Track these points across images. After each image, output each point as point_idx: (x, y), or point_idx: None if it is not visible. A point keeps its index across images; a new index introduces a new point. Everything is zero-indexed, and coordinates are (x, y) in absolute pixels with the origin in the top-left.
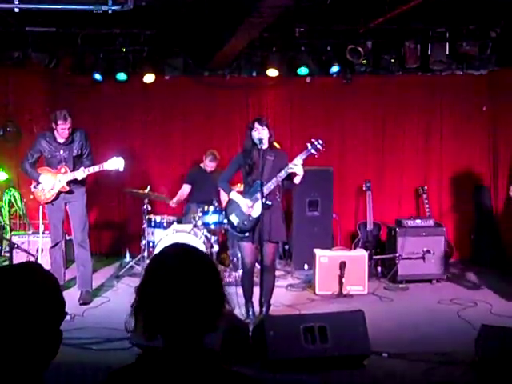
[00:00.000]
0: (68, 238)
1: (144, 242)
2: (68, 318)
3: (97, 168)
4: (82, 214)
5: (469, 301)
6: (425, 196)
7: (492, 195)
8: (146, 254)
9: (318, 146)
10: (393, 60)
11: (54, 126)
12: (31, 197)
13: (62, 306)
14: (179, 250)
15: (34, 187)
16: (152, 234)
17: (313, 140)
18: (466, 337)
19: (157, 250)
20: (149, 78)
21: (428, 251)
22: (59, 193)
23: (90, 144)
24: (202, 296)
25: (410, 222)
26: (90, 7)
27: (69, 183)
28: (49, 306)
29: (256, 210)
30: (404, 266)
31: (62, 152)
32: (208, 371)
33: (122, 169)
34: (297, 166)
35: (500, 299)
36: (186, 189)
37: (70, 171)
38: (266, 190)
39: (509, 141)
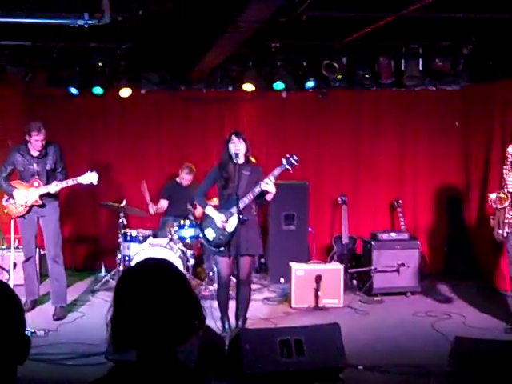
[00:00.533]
0: (42, 252)
1: (119, 256)
2: (42, 333)
3: (70, 182)
4: (55, 228)
5: (443, 313)
6: (399, 209)
7: (465, 208)
8: (121, 268)
9: (293, 162)
10: (367, 75)
11: (27, 138)
12: (5, 211)
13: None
14: (148, 264)
15: (6, 201)
16: (128, 248)
17: (288, 156)
18: (440, 349)
19: (133, 264)
20: (125, 92)
21: (402, 264)
22: (31, 206)
23: (64, 159)
24: (171, 308)
25: (385, 236)
26: (66, 21)
27: (41, 197)
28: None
29: (231, 225)
30: (379, 279)
31: (35, 165)
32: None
33: (95, 183)
34: (269, 185)
35: (473, 311)
36: (163, 204)
37: (43, 185)
38: (241, 205)
39: (480, 155)
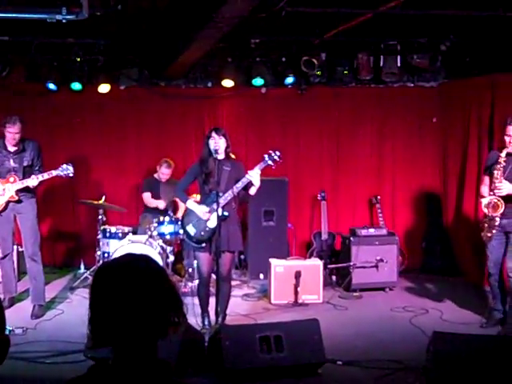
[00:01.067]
0: (20, 249)
1: (99, 252)
2: (20, 331)
3: (46, 175)
4: (33, 226)
5: (420, 308)
6: (378, 205)
7: (443, 204)
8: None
9: (275, 158)
10: (346, 71)
11: (3, 131)
12: None
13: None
14: (127, 259)
15: None
16: (107, 244)
17: (270, 151)
18: (418, 343)
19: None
20: (104, 88)
21: (381, 260)
22: (8, 203)
23: (43, 157)
24: (150, 303)
25: (364, 232)
26: (44, 16)
27: (18, 193)
28: None
29: (213, 221)
30: (358, 275)
31: (11, 161)
32: (159, 382)
33: (71, 175)
34: (254, 176)
35: (450, 306)
36: (148, 196)
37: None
38: (222, 201)
39: (458, 151)
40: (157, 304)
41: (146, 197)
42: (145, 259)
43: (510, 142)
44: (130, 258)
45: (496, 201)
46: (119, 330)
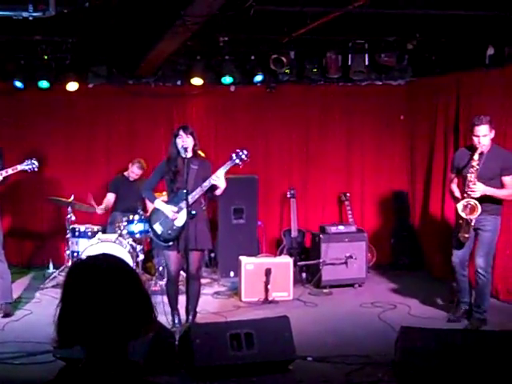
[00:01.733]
0: None
1: (68, 252)
2: None
3: (10, 171)
4: None
5: (389, 303)
6: (347, 203)
7: (410, 201)
8: (69, 264)
9: (243, 157)
10: (315, 70)
11: None
12: None
13: None
14: (101, 258)
15: None
16: (76, 243)
17: (238, 150)
18: (386, 338)
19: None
20: (72, 86)
21: (350, 256)
22: None
23: (3, 162)
24: (122, 305)
25: (333, 229)
26: (10, 13)
27: None
28: None
29: (180, 219)
30: (328, 272)
31: None
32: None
33: (36, 168)
34: (218, 179)
35: (418, 301)
36: (110, 197)
37: None
38: (190, 199)
39: (425, 148)
40: (129, 305)
41: (108, 197)
42: (118, 260)
43: (479, 143)
44: (104, 257)
45: (473, 203)
46: (91, 330)
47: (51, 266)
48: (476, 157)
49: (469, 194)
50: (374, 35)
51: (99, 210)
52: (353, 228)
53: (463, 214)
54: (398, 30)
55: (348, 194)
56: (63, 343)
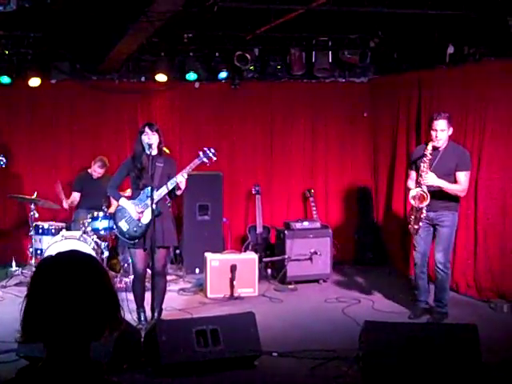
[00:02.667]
0: None
1: (31, 249)
2: None
3: None
4: None
5: (353, 298)
6: (311, 199)
7: (373, 197)
8: (33, 261)
9: (210, 155)
10: (279, 66)
11: None
12: None
13: None
14: (66, 255)
15: None
16: (40, 241)
17: (205, 149)
18: (350, 333)
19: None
20: (34, 81)
21: (315, 252)
22: None
23: None
24: (89, 303)
25: (298, 225)
26: None
27: None
28: None
29: (146, 217)
30: (293, 268)
31: None
32: (90, 382)
33: (4, 165)
34: (182, 179)
35: (381, 296)
36: (76, 196)
37: None
38: (156, 197)
39: (387, 145)
40: (95, 304)
41: (73, 196)
42: (88, 257)
43: (436, 137)
44: (73, 254)
45: (422, 193)
46: (54, 326)
47: (14, 263)
48: (430, 147)
49: (420, 183)
50: (338, 33)
51: (65, 203)
52: (317, 224)
53: (412, 202)
54: (361, 28)
55: (312, 191)
56: (27, 338)
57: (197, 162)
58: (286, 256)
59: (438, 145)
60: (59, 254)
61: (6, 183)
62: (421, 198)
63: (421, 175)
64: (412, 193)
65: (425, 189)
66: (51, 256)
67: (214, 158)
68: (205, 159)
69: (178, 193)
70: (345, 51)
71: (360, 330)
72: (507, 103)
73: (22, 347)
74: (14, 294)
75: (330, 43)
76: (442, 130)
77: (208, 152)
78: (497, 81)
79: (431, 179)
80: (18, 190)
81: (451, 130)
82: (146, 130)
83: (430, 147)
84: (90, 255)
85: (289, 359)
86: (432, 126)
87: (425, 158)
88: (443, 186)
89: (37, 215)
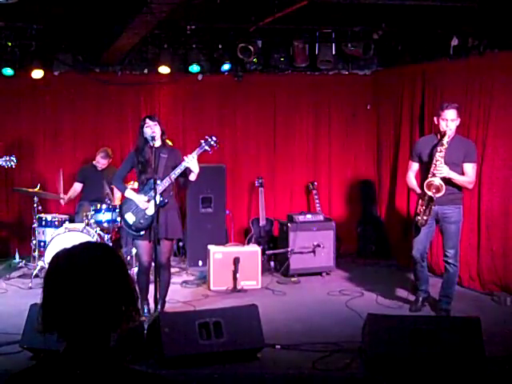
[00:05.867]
0: None
1: (34, 241)
2: None
3: None
4: None
5: (356, 291)
6: (315, 191)
7: (377, 190)
8: (36, 254)
9: (212, 143)
10: (282, 59)
11: None
12: None
13: None
14: (88, 246)
15: None
16: (43, 233)
17: (206, 137)
18: (353, 325)
19: (49, 249)
20: (37, 73)
21: (318, 245)
22: None
23: None
24: (109, 295)
25: (301, 217)
26: None
27: None
28: None
29: (151, 209)
30: (296, 260)
31: None
32: (112, 371)
33: (14, 166)
34: (192, 161)
35: (384, 289)
36: (77, 187)
37: None
38: (160, 188)
39: (391, 138)
40: (114, 297)
41: (75, 187)
42: (105, 249)
43: (447, 126)
44: (91, 245)
45: (438, 183)
46: (73, 318)
47: (17, 255)
48: (446, 139)
49: (434, 174)
50: (341, 25)
51: (62, 200)
52: (320, 217)
53: (429, 192)
54: (365, 20)
55: (315, 183)
56: (46, 328)
57: (199, 150)
58: (289, 249)
59: (449, 134)
60: (75, 246)
61: (9, 176)
62: (438, 188)
63: (435, 165)
64: (428, 182)
65: (440, 179)
66: (67, 248)
67: (216, 146)
68: (207, 147)
69: (192, 178)
70: (348, 43)
71: (363, 322)
72: (511, 96)
73: (25, 339)
74: (18, 286)
75: (333, 35)
76: (452, 120)
77: (210, 140)
78: (501, 73)
79: (446, 171)
80: (21, 183)
81: (459, 120)
82: (148, 122)
83: (446, 139)
84: (106, 245)
85: (292, 352)
86: (442, 115)
87: (441, 147)
88: (455, 178)
89: (40, 207)
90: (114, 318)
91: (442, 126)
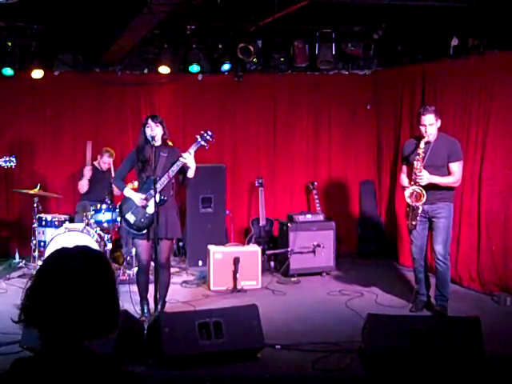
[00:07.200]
0: None
1: (34, 241)
2: None
3: None
4: None
5: (356, 291)
6: (315, 191)
7: (376, 190)
8: (36, 254)
9: (208, 138)
10: (282, 59)
11: None
12: None
13: None
14: (79, 250)
15: None
16: (43, 233)
17: (202, 132)
18: (353, 325)
19: (49, 249)
20: (37, 73)
21: (318, 245)
22: None
23: None
24: (92, 303)
25: (301, 217)
26: None
27: None
28: None
29: (151, 207)
30: (296, 260)
31: None
32: (84, 370)
33: (14, 166)
34: (188, 158)
35: (384, 289)
36: (84, 185)
37: None
38: (159, 186)
39: (390, 138)
40: (97, 305)
41: (81, 184)
42: (100, 258)
43: (425, 131)
44: (87, 250)
45: (418, 191)
46: (51, 317)
47: (17, 255)
48: (422, 145)
49: (416, 182)
50: (341, 25)
51: (86, 171)
52: (320, 217)
53: (409, 201)
54: (365, 20)
55: (315, 183)
56: (23, 319)
57: (195, 145)
58: (289, 249)
59: (429, 139)
60: (74, 247)
61: (9, 176)
62: (417, 197)
63: (415, 173)
64: (407, 192)
65: (420, 186)
66: (65, 248)
67: (213, 141)
68: (203, 142)
69: (190, 174)
70: (348, 43)
71: (363, 322)
72: (511, 96)
73: (25, 339)
74: (18, 286)
75: (333, 35)
76: (430, 125)
77: (205, 135)
78: (501, 73)
79: (426, 178)
80: (21, 183)
81: (439, 122)
82: (149, 122)
83: (422, 145)
84: (101, 254)
85: (292, 352)
86: (420, 121)
87: (418, 157)
88: (438, 182)
89: (40, 207)
90: (92, 326)
91: (422, 131)
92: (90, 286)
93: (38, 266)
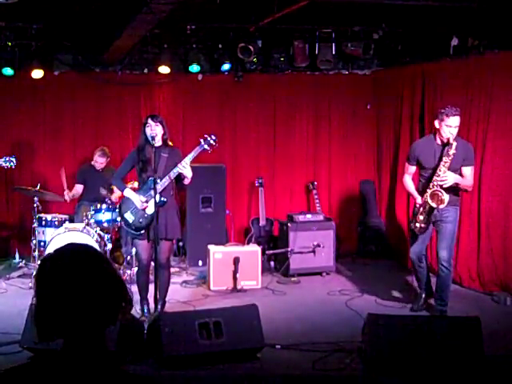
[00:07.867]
0: None
1: (34, 241)
2: None
3: None
4: None
5: (356, 291)
6: (315, 191)
7: (377, 189)
8: (36, 253)
9: (211, 142)
10: (282, 59)
11: None
12: None
13: None
14: (67, 249)
15: None
16: (43, 233)
17: (206, 136)
18: (353, 325)
19: (49, 249)
20: (37, 73)
21: (318, 245)
22: None
23: None
24: (95, 291)
25: (301, 217)
26: None
27: None
28: None
29: (151, 208)
30: (296, 260)
31: None
32: (106, 373)
33: (14, 167)
34: (185, 168)
35: (384, 289)
36: (79, 189)
37: None
38: (159, 187)
39: (390, 138)
40: (103, 290)
41: (77, 188)
42: (84, 247)
43: (450, 133)
44: (70, 247)
45: (441, 194)
46: (70, 320)
47: (17, 255)
48: (452, 151)
49: (439, 185)
50: (341, 25)
51: (67, 196)
52: (320, 217)
53: (433, 203)
54: (365, 20)
55: (315, 183)
56: (43, 337)
57: (198, 149)
58: (289, 248)
59: (451, 141)
60: (57, 250)
61: (9, 176)
62: (440, 200)
63: (438, 174)
64: (433, 192)
65: (441, 189)
66: (50, 254)
67: (216, 145)
68: (206, 146)
69: (186, 182)
70: (348, 43)
71: (363, 322)
72: (511, 96)
73: (25, 339)
74: (18, 286)
75: (333, 35)
76: (456, 127)
77: (209, 139)
78: (501, 73)
79: (452, 178)
80: (21, 183)
81: None
82: (149, 121)
83: (454, 147)
84: (86, 245)
85: (292, 352)
86: (447, 121)
87: (448, 158)
88: (460, 183)
89: (40, 207)
90: (107, 312)
91: (445, 132)
92: (87, 275)
93: (34, 282)
